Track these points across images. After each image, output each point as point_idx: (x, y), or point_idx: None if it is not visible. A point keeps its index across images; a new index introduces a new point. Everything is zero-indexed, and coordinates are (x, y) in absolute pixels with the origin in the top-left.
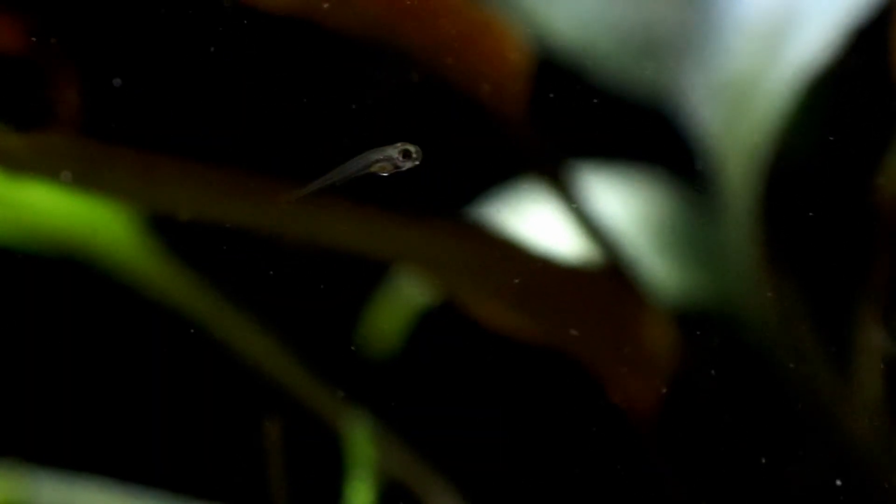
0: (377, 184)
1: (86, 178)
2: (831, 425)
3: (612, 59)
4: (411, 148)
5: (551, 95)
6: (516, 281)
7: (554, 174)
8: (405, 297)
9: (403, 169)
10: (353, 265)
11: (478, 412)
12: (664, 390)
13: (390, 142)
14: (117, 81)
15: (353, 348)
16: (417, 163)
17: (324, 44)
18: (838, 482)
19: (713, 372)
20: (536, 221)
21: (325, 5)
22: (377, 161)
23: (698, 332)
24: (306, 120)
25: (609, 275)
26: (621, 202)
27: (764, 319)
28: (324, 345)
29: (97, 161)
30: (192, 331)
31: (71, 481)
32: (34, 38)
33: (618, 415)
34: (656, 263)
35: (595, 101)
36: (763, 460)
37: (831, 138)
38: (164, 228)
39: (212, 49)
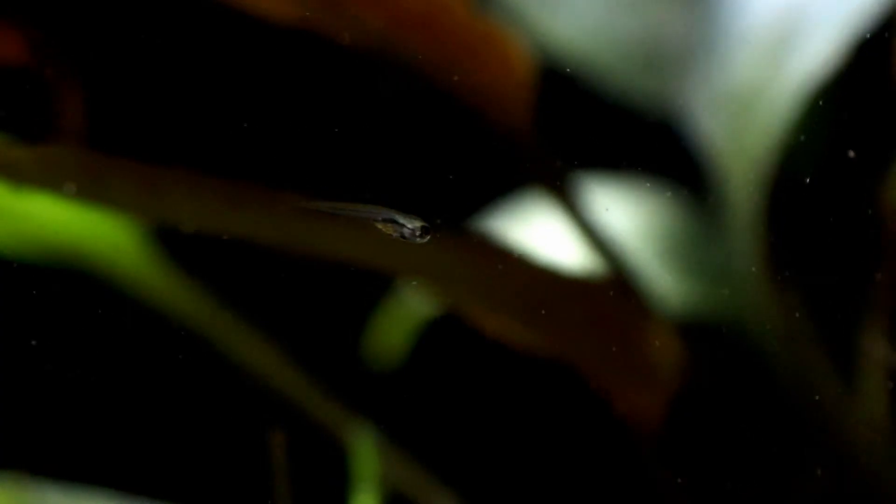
0: (380, 194)
1: (90, 191)
2: (836, 437)
3: (616, 71)
4: (426, 228)
5: (556, 107)
6: (520, 293)
7: (558, 186)
8: (410, 309)
9: (405, 238)
10: (358, 277)
11: (482, 424)
12: (668, 402)
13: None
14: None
15: (358, 360)
16: (417, 241)
17: (329, 56)
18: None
19: (717, 384)
20: (541, 233)
21: (331, 18)
22: (390, 221)
23: (702, 344)
24: (312, 132)
25: (613, 286)
26: (626, 214)
27: (768, 331)
28: (328, 356)
29: (101, 173)
30: (196, 342)
31: (75, 493)
32: (39, 51)
33: (622, 426)
34: (661, 275)
35: (600, 112)
36: (768, 472)
37: (835, 150)
38: (168, 240)
39: (217, 61)
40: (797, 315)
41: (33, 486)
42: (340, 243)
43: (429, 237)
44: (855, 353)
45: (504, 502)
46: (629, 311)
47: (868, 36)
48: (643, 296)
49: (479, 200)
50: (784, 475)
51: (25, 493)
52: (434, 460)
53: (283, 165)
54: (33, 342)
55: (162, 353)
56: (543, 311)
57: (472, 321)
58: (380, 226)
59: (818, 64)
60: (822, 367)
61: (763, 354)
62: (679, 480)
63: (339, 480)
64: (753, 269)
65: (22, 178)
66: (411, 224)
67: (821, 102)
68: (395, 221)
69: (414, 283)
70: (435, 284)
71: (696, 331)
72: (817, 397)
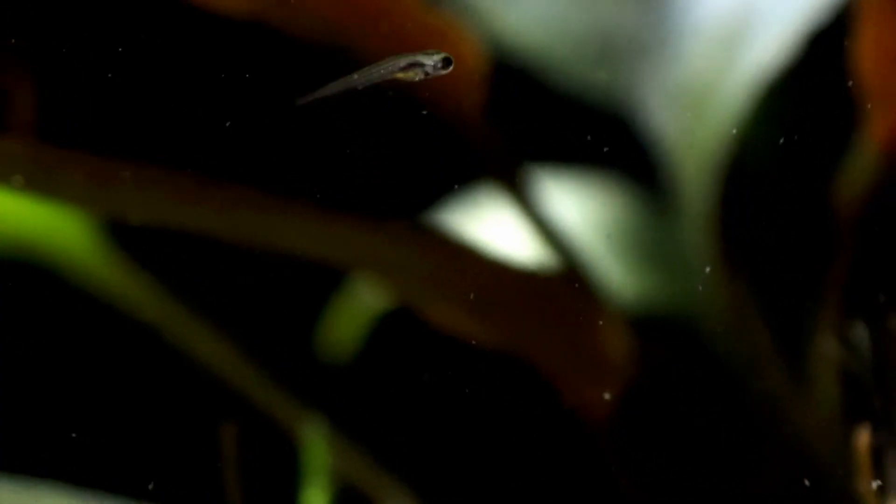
0: (333, 187)
1: (38, 183)
2: (787, 430)
3: (569, 64)
4: (448, 59)
5: (508, 100)
6: (472, 286)
7: (511, 179)
8: (362, 303)
9: (432, 76)
10: (311, 270)
11: (434, 417)
12: (619, 395)
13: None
14: None
15: (310, 353)
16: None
17: (280, 49)
18: (794, 488)
19: (669, 376)
20: (493, 226)
21: (282, 11)
22: (412, 65)
23: (654, 337)
24: (263, 125)
25: (565, 279)
26: (578, 206)
27: (720, 324)
28: (281, 349)
29: (49, 165)
30: (147, 334)
31: (25, 487)
32: None
33: (573, 419)
34: (613, 268)
35: (552, 105)
36: (718, 464)
37: (788, 142)
38: (120, 233)
39: (168, 54)
40: (749, 308)
41: None
42: (293, 236)
43: (451, 67)
44: (806, 347)
45: (456, 495)
46: (581, 304)
47: (821, 29)
48: (595, 289)
49: (432, 194)
50: (734, 468)
51: None
52: (386, 453)
53: (233, 157)
54: None
55: (113, 345)
56: (495, 305)
57: (425, 314)
58: (401, 75)
59: (771, 57)
60: (773, 361)
61: (714, 347)
62: (629, 472)
63: (289, 473)
64: (706, 262)
65: None
66: (431, 60)
67: (774, 95)
68: (416, 64)
69: (366, 276)
70: (387, 278)
71: (648, 324)
72: (769, 389)
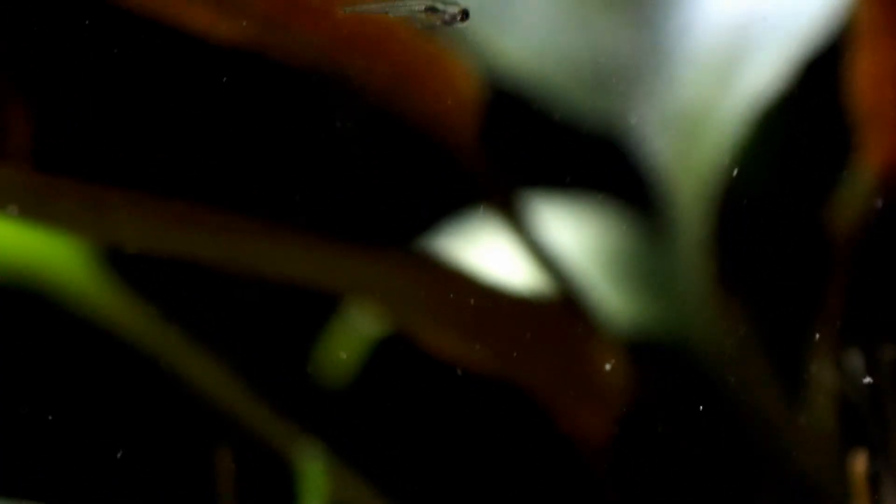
0: (327, 213)
1: (33, 211)
2: (783, 456)
3: (564, 90)
4: (466, 11)
5: (503, 125)
6: (467, 312)
7: (506, 205)
8: (358, 328)
9: (447, 24)
10: (306, 296)
11: (431, 443)
12: (616, 421)
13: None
14: None
15: (307, 378)
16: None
17: (273, 77)
18: None
19: (665, 402)
20: (488, 252)
21: (274, 38)
22: (431, 10)
23: (650, 363)
24: (257, 152)
25: (561, 305)
26: (573, 232)
27: (716, 350)
28: (277, 375)
29: (44, 193)
30: (143, 360)
31: None
32: None
33: (569, 446)
34: (608, 294)
35: (547, 131)
36: (714, 490)
37: (783, 168)
38: (116, 259)
39: (160, 81)
40: (745, 334)
41: None
42: (288, 262)
43: (468, 20)
44: (802, 373)
45: None
46: (577, 330)
47: (816, 56)
48: (591, 314)
49: (427, 220)
50: (731, 493)
51: None
52: (383, 479)
53: (228, 184)
54: None
55: (109, 371)
56: (491, 331)
57: (420, 340)
58: (423, 16)
59: (766, 83)
60: (770, 386)
61: (711, 373)
62: (626, 499)
63: (286, 499)
64: (701, 287)
65: None
66: (451, 9)
67: (769, 121)
68: (435, 9)
69: (362, 302)
70: (383, 303)
71: (644, 349)
72: (765, 415)
